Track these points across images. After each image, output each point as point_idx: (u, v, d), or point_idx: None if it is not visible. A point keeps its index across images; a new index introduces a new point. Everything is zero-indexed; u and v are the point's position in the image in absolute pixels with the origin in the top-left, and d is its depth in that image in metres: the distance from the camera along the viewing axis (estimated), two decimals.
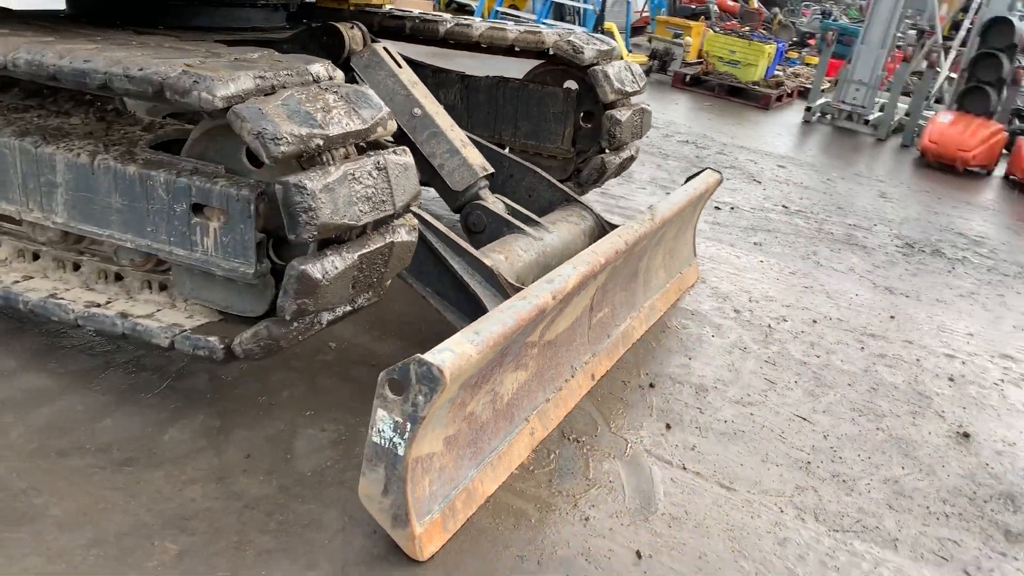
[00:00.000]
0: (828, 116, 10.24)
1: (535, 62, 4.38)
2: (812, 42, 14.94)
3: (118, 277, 2.73)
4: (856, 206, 6.61)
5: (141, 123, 2.72)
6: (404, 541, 2.16)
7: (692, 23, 12.32)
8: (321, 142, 2.18)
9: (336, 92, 2.35)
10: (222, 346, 2.36)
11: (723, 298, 4.23)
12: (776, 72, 11.76)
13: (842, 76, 10.01)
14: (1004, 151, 8.95)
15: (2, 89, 2.92)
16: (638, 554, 2.33)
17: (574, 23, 11.63)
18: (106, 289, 2.73)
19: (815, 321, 4.16)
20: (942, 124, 8.67)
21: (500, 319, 2.29)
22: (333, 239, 2.27)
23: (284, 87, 2.26)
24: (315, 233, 2.14)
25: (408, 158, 2.47)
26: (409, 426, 2.07)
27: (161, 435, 2.50)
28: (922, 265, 5.38)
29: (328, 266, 2.21)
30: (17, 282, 2.74)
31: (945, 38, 11.16)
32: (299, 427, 2.64)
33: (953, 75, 10.67)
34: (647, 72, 11.20)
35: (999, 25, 8.84)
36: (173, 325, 2.46)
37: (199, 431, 2.54)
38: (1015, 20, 8.79)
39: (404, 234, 2.49)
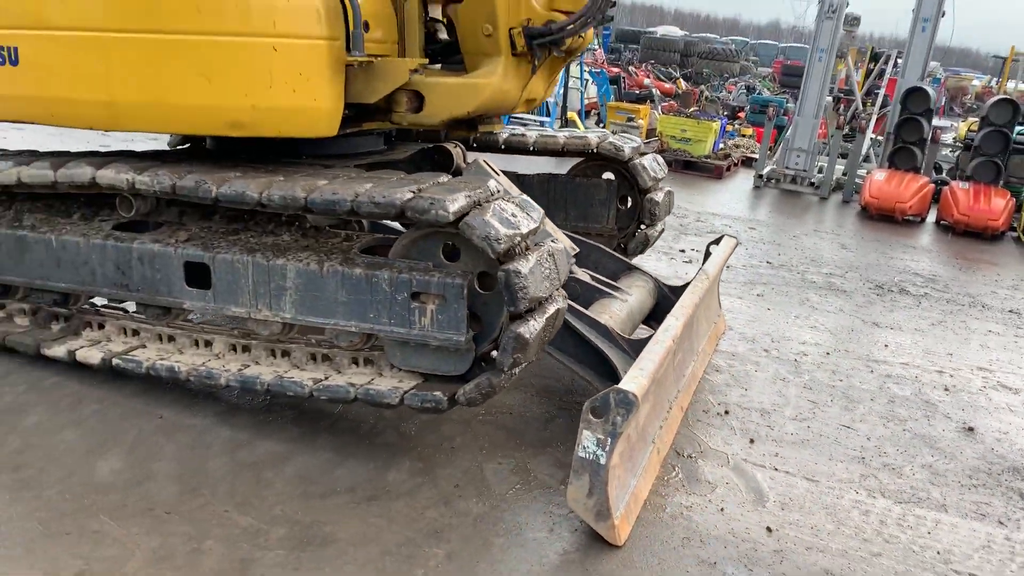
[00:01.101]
0: (773, 180, 11.45)
1: (564, 158, 5.30)
2: (741, 115, 16.41)
3: (325, 358, 3.43)
4: (825, 257, 7.64)
5: (339, 236, 3.47)
6: (607, 531, 2.89)
7: (640, 106, 13.58)
8: (519, 239, 2.97)
9: (513, 201, 3.16)
10: (446, 397, 3.09)
11: (751, 341, 5.10)
12: (720, 144, 13.02)
13: (784, 144, 11.27)
14: (933, 200, 10.23)
15: (208, 216, 3.64)
16: (768, 529, 3.09)
17: (539, 113, 12.72)
18: (316, 368, 3.42)
19: (828, 353, 5.05)
20: (879, 181, 9.91)
21: (650, 359, 3.08)
22: (530, 309, 3.04)
23: (485, 201, 3.06)
24: (528, 305, 2.91)
25: (560, 245, 3.28)
26: (609, 441, 2.82)
27: (385, 477, 3.17)
28: (894, 302, 6.37)
29: (532, 328, 2.98)
30: (243, 368, 3.42)
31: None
32: (482, 462, 3.34)
33: (873, 136, 12.09)
34: None
35: (916, 94, 10.23)
36: (396, 387, 3.18)
37: (411, 472, 3.23)
38: (929, 89, 10.19)
39: (561, 301, 3.27)
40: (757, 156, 13.00)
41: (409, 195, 2.97)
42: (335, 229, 3.63)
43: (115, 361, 3.57)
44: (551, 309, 3.13)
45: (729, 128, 15.31)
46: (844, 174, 11.16)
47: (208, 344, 3.62)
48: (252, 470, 3.13)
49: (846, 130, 12.39)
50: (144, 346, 3.70)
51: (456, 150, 4.40)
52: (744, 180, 11.87)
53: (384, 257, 3.20)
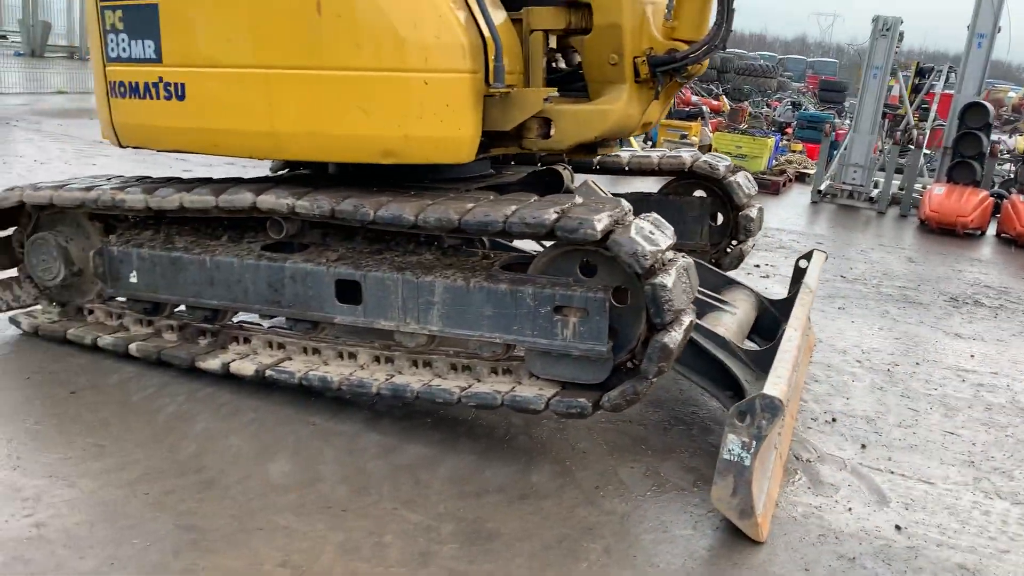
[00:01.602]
0: (830, 195, 11.58)
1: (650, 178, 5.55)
2: (789, 131, 16.54)
3: (465, 368, 3.67)
4: (895, 271, 7.78)
5: (476, 254, 3.71)
6: (750, 528, 3.08)
7: (691, 123, 13.79)
8: (660, 255, 3.20)
9: (648, 220, 3.39)
10: (591, 403, 3.31)
11: (842, 352, 5.27)
12: (774, 160, 13.18)
13: (838, 159, 11.42)
14: (992, 213, 10.30)
15: (350, 237, 3.90)
16: (897, 527, 3.27)
17: None
18: (457, 377, 3.66)
19: (918, 364, 5.20)
20: (939, 195, 10.02)
21: (783, 367, 3.28)
22: (672, 320, 3.25)
23: (626, 220, 3.29)
24: (672, 317, 3.13)
25: (690, 260, 3.49)
26: (754, 443, 3.02)
27: (528, 478, 3.39)
28: (971, 314, 6.50)
29: (674, 339, 3.19)
30: (390, 377, 3.67)
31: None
32: (615, 466, 3.54)
33: (927, 151, 12.19)
34: None
35: (974, 108, 10.35)
36: (540, 394, 3.40)
37: (552, 474, 3.44)
38: (987, 104, 10.31)
39: (692, 314, 3.48)
40: (809, 171, 13.15)
41: (555, 215, 3.20)
42: (470, 248, 3.88)
43: (268, 373, 3.83)
44: (687, 320, 3.34)
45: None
46: (901, 189, 11.26)
47: (352, 356, 3.87)
48: (408, 471, 3.36)
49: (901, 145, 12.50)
50: (290, 358, 3.96)
51: (566, 172, 4.65)
52: (800, 195, 12.02)
53: (523, 273, 3.44)
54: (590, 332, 3.30)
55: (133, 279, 4.17)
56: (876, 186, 11.45)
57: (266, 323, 4.27)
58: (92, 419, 3.58)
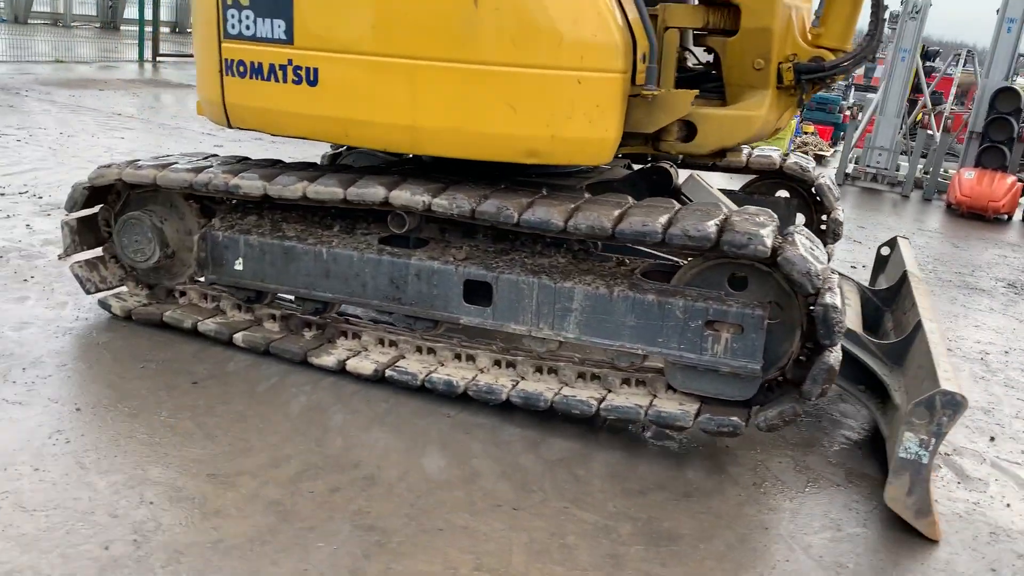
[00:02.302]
0: (852, 178, 11.59)
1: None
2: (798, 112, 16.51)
3: (594, 377, 3.56)
4: (945, 256, 7.79)
5: (610, 260, 3.58)
6: (927, 528, 3.01)
7: None
8: (825, 272, 3.09)
9: (801, 233, 3.28)
10: (743, 422, 3.23)
11: None
12: (792, 143, 13.15)
13: (866, 143, 11.42)
14: (1022, 198, 10.38)
15: (470, 234, 3.74)
16: None
17: None
18: (587, 386, 3.55)
19: (1007, 352, 5.20)
20: (969, 180, 10.06)
21: (944, 361, 3.21)
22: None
23: (786, 234, 3.18)
24: (841, 338, 3.03)
25: (836, 277, 3.36)
26: (933, 441, 2.96)
27: (685, 475, 3.30)
28: None
29: (837, 358, 3.09)
30: (515, 383, 3.55)
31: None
32: (763, 461, 3.46)
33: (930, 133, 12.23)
34: None
35: (1005, 93, 10.38)
36: (685, 410, 3.31)
37: (707, 471, 3.34)
38: (1019, 89, 10.34)
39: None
40: (824, 153, 13.13)
41: (716, 228, 3.10)
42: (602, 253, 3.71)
43: (388, 373, 3.70)
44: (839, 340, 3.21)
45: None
46: (926, 173, 11.30)
47: (471, 358, 3.75)
48: (563, 467, 3.26)
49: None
50: (404, 357, 3.83)
51: (673, 170, 4.53)
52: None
53: (667, 283, 3.33)
54: (744, 349, 3.20)
55: (238, 266, 3.99)
56: (898, 169, 11.47)
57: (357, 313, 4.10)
58: (226, 411, 3.42)
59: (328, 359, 3.82)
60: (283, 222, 4.01)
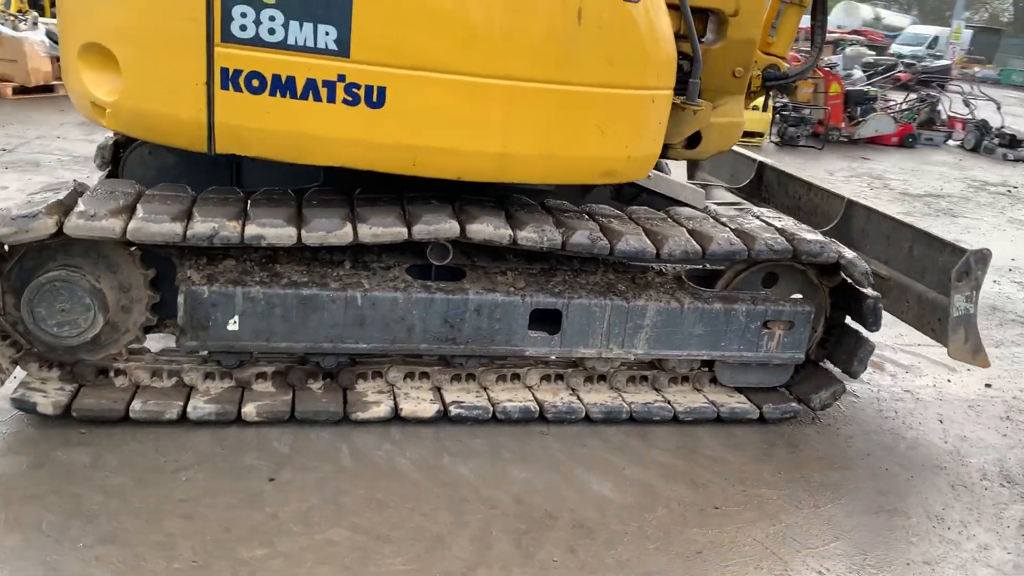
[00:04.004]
0: None
1: None
2: None
3: (642, 379, 3.83)
4: None
5: (648, 272, 3.79)
6: (981, 361, 3.67)
7: None
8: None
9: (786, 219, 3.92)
10: (800, 407, 3.83)
11: None
12: None
13: None
14: None
15: (500, 258, 3.62)
16: None
17: None
18: (637, 389, 3.81)
19: None
20: None
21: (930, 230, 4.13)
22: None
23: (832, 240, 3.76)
24: (881, 325, 3.76)
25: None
26: (974, 293, 3.66)
27: (772, 445, 3.78)
28: None
29: (874, 342, 3.83)
30: (569, 399, 3.65)
31: None
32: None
33: None
34: None
35: None
36: (747, 405, 3.79)
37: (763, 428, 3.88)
38: None
39: None
40: None
41: (787, 243, 3.57)
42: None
43: (454, 411, 3.48)
44: None
45: None
46: None
47: (516, 376, 3.71)
48: (687, 455, 3.52)
49: None
50: (439, 388, 3.61)
51: None
52: None
53: (723, 291, 3.73)
54: (793, 342, 3.79)
55: (232, 326, 3.26)
56: None
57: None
58: (351, 500, 2.94)
59: (378, 410, 3.42)
60: (270, 264, 3.36)
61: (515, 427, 3.54)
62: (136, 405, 3.21)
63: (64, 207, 3.06)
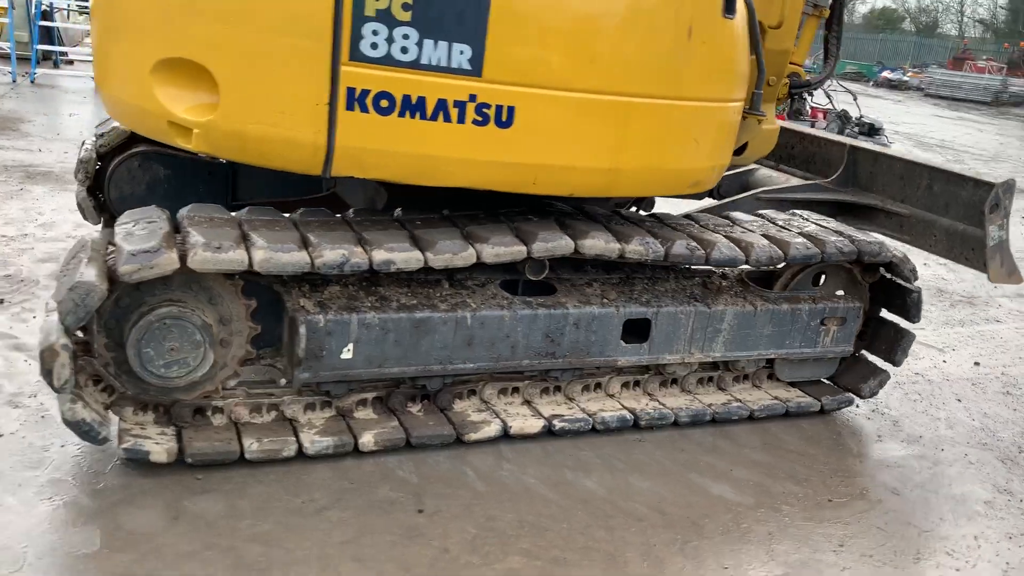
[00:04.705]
0: None
1: None
2: None
3: (710, 380, 3.98)
4: None
5: (693, 277, 3.92)
6: (1016, 279, 4.16)
7: None
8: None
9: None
10: (853, 396, 4.09)
11: None
12: None
13: None
14: None
15: (580, 269, 3.67)
16: None
17: None
18: (705, 390, 3.97)
19: None
20: None
21: (949, 165, 4.53)
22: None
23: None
24: (921, 316, 4.06)
25: None
26: (1005, 221, 4.08)
27: (846, 464, 4.03)
28: None
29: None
30: (658, 402, 3.77)
31: None
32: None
33: None
34: None
35: None
36: (805, 398, 4.01)
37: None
38: None
39: None
40: None
41: (853, 244, 3.80)
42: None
43: (557, 424, 3.50)
44: None
45: None
46: None
47: (598, 386, 3.77)
48: (775, 451, 3.69)
49: None
50: (529, 402, 3.63)
51: None
52: None
53: (769, 290, 3.95)
54: (844, 336, 4.05)
55: (346, 355, 3.13)
56: None
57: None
58: (512, 526, 2.90)
59: (489, 430, 3.39)
60: (374, 288, 3.26)
61: (611, 436, 3.61)
62: (252, 445, 3.03)
63: (175, 239, 2.84)
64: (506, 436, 3.42)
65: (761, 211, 4.26)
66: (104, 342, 2.92)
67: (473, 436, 3.36)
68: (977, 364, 5.03)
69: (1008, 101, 32.74)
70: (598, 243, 3.33)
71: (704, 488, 3.32)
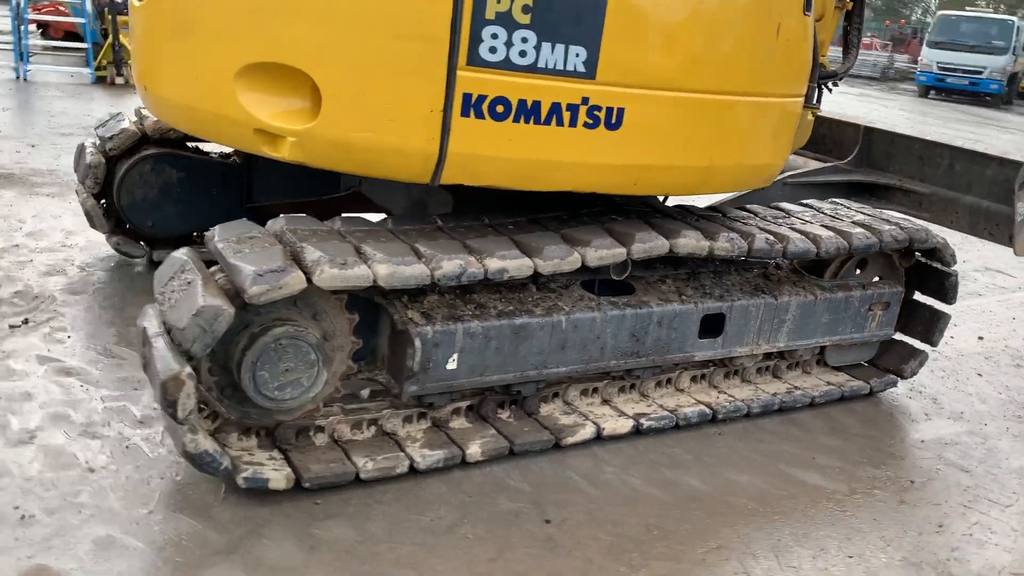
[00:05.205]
0: None
1: None
2: None
3: (766, 370, 4.07)
4: None
5: (751, 270, 3.99)
6: None
7: None
8: None
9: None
10: (896, 377, 4.24)
11: None
12: None
13: None
14: None
15: (649, 267, 3.68)
16: None
17: None
18: (764, 378, 4.05)
19: None
20: None
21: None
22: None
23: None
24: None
25: None
26: None
27: (906, 444, 4.17)
28: None
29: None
30: (723, 396, 3.84)
31: None
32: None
33: None
34: None
35: None
36: (862, 383, 4.15)
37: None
38: None
39: None
40: None
41: (905, 232, 3.94)
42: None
43: (645, 423, 3.51)
44: None
45: None
46: None
47: (668, 381, 3.80)
48: (846, 435, 3.79)
49: None
50: (608, 402, 3.63)
51: None
52: None
53: (820, 278, 4.06)
54: (887, 320, 4.21)
55: (451, 365, 3.06)
56: None
57: None
58: (638, 530, 2.90)
59: (584, 432, 3.38)
60: (467, 296, 3.19)
61: (691, 431, 3.64)
62: (366, 464, 2.92)
63: (293, 256, 2.70)
64: (598, 438, 3.42)
65: (802, 200, 4.37)
66: (208, 366, 2.76)
67: (570, 440, 3.34)
68: (981, 338, 5.31)
69: (895, 76, 34.69)
70: (690, 242, 3.35)
71: (797, 478, 3.40)
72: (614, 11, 2.83)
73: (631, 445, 3.47)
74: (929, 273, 4.26)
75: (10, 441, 2.94)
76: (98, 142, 4.57)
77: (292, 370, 2.75)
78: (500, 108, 2.82)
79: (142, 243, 4.68)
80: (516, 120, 2.85)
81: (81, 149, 4.61)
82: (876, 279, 4.29)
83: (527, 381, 3.30)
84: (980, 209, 4.46)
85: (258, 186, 4.84)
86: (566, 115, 2.90)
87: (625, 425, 3.48)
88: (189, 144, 4.65)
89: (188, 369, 2.48)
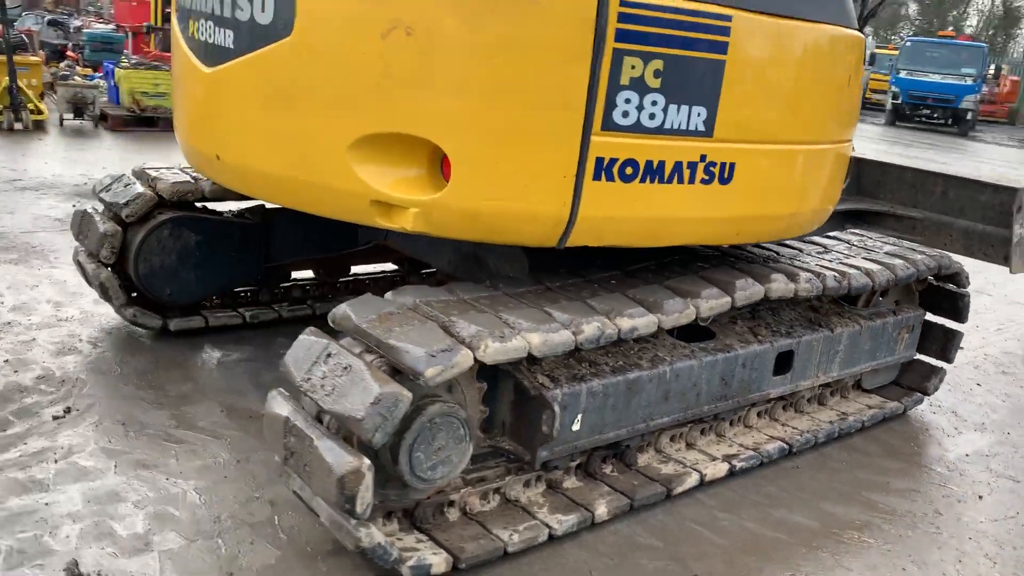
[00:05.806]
0: None
1: None
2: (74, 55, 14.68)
3: (814, 399, 4.24)
4: None
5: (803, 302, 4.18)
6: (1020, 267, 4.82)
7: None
8: None
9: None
10: (923, 394, 4.50)
11: None
12: None
13: None
14: None
15: None
16: None
17: None
18: (814, 408, 4.23)
19: None
20: None
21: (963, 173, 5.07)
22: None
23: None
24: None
25: None
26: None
27: (951, 459, 4.40)
28: None
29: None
30: (794, 426, 3.98)
31: None
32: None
33: None
34: None
35: None
36: (897, 404, 4.38)
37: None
38: None
39: None
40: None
41: (935, 263, 4.22)
42: None
43: (737, 464, 3.59)
44: None
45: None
46: None
47: (740, 420, 3.91)
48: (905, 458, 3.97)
49: None
50: (691, 445, 3.70)
51: None
52: None
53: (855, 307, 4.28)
54: (911, 342, 4.48)
55: (576, 426, 3.04)
56: None
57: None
58: (798, 570, 2.94)
59: (690, 480, 3.43)
60: (576, 353, 3.18)
61: (770, 467, 3.75)
62: (512, 536, 2.85)
63: (444, 331, 2.62)
64: (700, 484, 3.47)
65: (829, 233, 4.59)
66: None
67: (679, 489, 3.38)
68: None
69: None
70: (780, 285, 3.47)
71: (886, 504, 3.56)
72: (731, 71, 2.92)
73: (727, 487, 3.54)
74: (940, 295, 4.57)
75: (125, 550, 2.70)
76: (104, 208, 4.27)
77: (444, 448, 2.66)
78: (629, 170, 2.84)
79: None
80: (643, 180, 2.88)
81: (85, 216, 4.28)
82: (895, 303, 4.56)
83: (638, 435, 3.32)
84: (975, 232, 4.81)
85: (276, 244, 4.65)
86: (686, 172, 2.96)
87: (722, 469, 3.54)
88: (206, 205, 4.42)
89: (367, 462, 2.36)
